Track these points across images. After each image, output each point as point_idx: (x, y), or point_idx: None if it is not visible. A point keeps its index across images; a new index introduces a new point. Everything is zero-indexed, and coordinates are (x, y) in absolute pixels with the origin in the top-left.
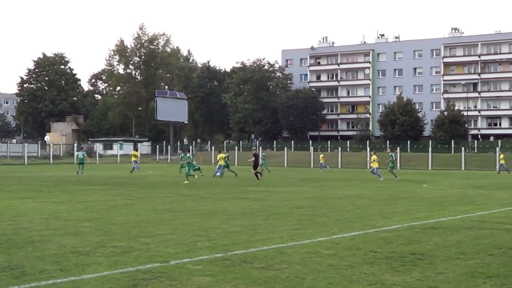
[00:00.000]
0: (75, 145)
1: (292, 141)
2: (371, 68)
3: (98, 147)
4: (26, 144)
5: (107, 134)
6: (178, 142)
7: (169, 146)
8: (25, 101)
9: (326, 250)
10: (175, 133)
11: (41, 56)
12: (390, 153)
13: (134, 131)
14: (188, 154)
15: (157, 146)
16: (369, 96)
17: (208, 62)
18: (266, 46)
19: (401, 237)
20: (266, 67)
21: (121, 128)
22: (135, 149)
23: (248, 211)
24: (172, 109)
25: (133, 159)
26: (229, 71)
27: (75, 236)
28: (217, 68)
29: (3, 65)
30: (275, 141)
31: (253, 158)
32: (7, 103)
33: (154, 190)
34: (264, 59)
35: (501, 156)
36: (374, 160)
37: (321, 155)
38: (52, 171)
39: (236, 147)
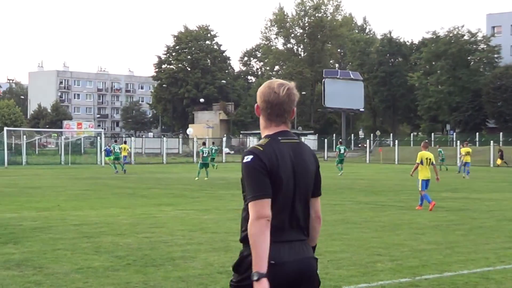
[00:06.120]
0: (224, 139)
1: (501, 133)
2: None
3: (252, 142)
4: (164, 138)
5: None
6: (352, 135)
7: (341, 141)
8: (163, 85)
9: None
10: (348, 123)
11: (183, 30)
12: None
13: (297, 122)
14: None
15: (325, 140)
16: None
17: (390, 32)
18: (465, 9)
19: None
20: (465, 37)
21: None
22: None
23: (442, 223)
24: (344, 93)
25: (123, 154)
26: (417, 43)
27: (224, 252)
28: (402, 40)
29: (139, 43)
30: (477, 133)
31: None
32: (142, 88)
33: (322, 195)
34: (463, 27)
35: None
36: None
37: (465, 149)
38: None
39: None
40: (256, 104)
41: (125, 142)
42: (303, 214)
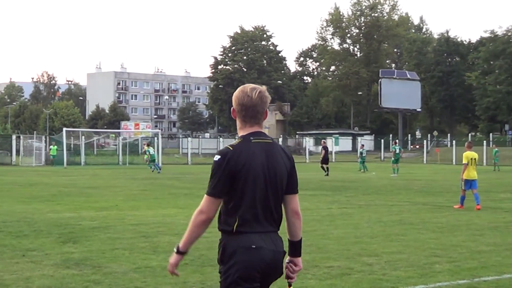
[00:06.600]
0: (280, 139)
1: None
2: None
3: (308, 142)
4: (221, 138)
5: (319, 125)
6: (409, 135)
7: (397, 141)
8: (220, 86)
9: None
10: (404, 124)
11: (238, 31)
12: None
13: (353, 122)
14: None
15: (382, 140)
16: None
17: (447, 32)
18: None
19: None
20: None
21: (337, 118)
22: (148, 144)
23: (501, 225)
24: (401, 93)
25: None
26: (475, 42)
27: None
28: (459, 40)
29: (195, 44)
30: None
31: (323, 152)
32: (198, 89)
33: (378, 196)
34: None
35: None
36: None
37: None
38: None
39: (485, 142)
40: (232, 108)
41: (147, 145)
42: (275, 208)
